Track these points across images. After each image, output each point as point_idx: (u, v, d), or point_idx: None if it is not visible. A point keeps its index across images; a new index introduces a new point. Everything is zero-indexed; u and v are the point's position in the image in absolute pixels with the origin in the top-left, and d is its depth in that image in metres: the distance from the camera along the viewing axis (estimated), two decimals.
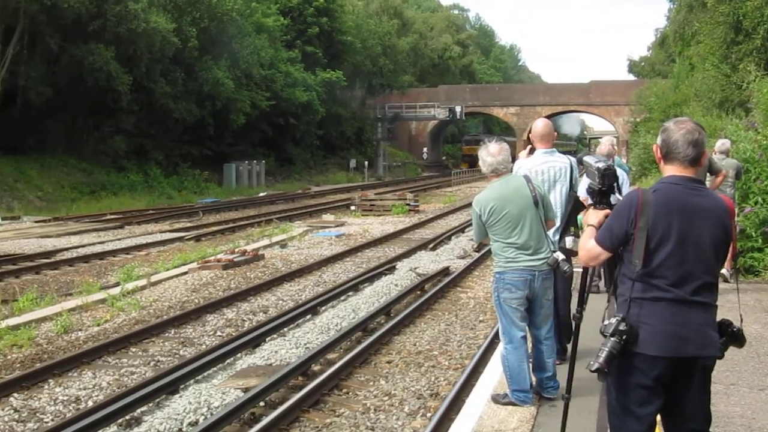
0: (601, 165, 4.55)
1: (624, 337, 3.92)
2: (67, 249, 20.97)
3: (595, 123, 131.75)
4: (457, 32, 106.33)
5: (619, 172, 10.83)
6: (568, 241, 7.12)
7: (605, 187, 4.49)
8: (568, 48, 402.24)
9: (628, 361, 3.98)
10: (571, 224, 7.40)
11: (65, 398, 8.79)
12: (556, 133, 7.99)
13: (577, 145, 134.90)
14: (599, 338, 8.41)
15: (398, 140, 77.77)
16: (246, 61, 47.27)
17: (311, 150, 61.90)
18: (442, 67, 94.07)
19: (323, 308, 13.30)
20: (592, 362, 3.95)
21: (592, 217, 4.40)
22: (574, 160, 7.76)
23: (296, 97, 53.47)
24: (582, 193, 9.25)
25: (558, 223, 7.25)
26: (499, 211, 6.46)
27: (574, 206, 7.47)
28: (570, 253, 7.14)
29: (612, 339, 3.93)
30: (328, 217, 31.43)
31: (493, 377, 7.57)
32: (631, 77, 79.74)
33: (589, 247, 4.23)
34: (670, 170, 4.03)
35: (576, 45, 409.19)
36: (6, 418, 8.15)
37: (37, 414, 8.31)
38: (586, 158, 5.12)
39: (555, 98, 77.28)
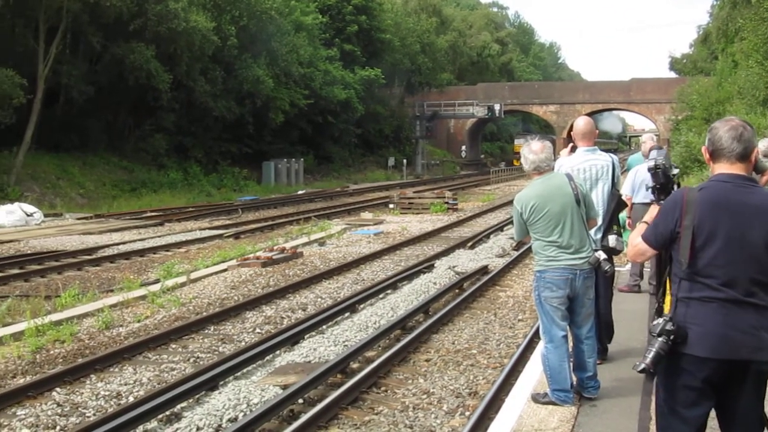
0: (651, 163, 4.53)
1: (671, 337, 3.87)
2: (108, 246, 21.20)
3: (636, 121, 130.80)
4: (496, 30, 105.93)
5: None
6: (611, 239, 7.06)
7: (658, 184, 4.48)
8: (609, 45, 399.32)
9: (676, 362, 3.94)
10: (613, 223, 7.34)
11: (107, 393, 8.86)
12: (597, 131, 7.91)
13: (618, 144, 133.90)
14: (637, 338, 8.38)
15: (437, 138, 77.67)
16: (285, 60, 47.46)
17: (350, 148, 62.01)
18: (480, 65, 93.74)
19: (362, 306, 13.29)
20: (638, 362, 3.92)
21: (648, 214, 4.42)
22: (616, 158, 7.69)
23: (335, 95, 53.59)
24: (625, 191, 9.19)
25: (600, 221, 7.18)
26: (541, 209, 6.40)
27: (617, 205, 7.42)
28: (613, 252, 7.08)
29: (659, 339, 3.88)
30: (366, 215, 31.45)
31: (532, 376, 7.51)
32: (673, 75, 78.99)
33: (636, 242, 4.21)
34: (718, 168, 3.95)
35: (616, 42, 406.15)
36: (49, 412, 8.23)
37: (80, 408, 8.39)
38: (650, 156, 5.18)
39: (595, 96, 76.70)
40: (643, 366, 3.90)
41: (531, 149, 6.57)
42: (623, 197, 8.20)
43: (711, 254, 3.86)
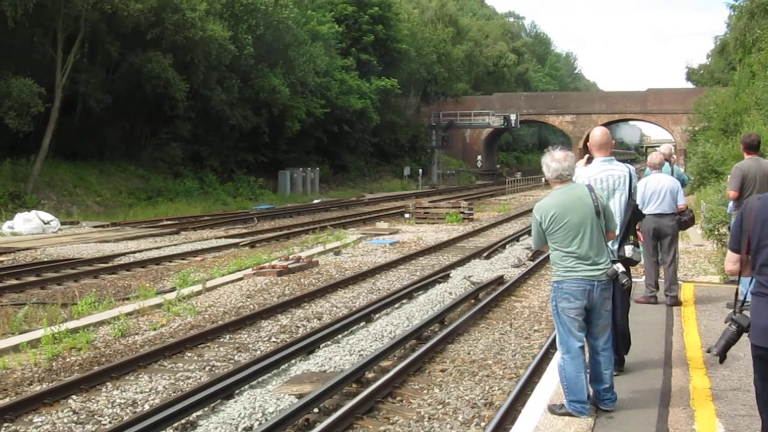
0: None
1: (737, 325, 4.55)
2: (124, 254, 21.27)
3: (652, 131, 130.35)
4: (513, 40, 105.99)
5: (674, 182, 10.71)
6: (628, 249, 7.03)
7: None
8: (625, 56, 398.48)
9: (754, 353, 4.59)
10: (630, 233, 7.31)
11: (122, 401, 8.88)
12: (614, 142, 7.89)
13: (635, 154, 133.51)
14: (654, 349, 8.34)
15: (452, 148, 77.59)
16: (301, 69, 47.57)
17: (365, 157, 62.09)
18: (497, 74, 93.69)
19: (377, 315, 13.28)
20: (713, 347, 4.66)
21: None
22: (633, 168, 7.66)
23: (351, 105, 53.72)
24: (639, 202, 9.16)
25: (617, 232, 7.15)
26: (560, 219, 6.37)
27: (633, 215, 7.39)
28: (629, 262, 7.04)
29: (726, 326, 4.58)
30: (381, 224, 31.46)
31: (549, 387, 7.47)
32: (690, 85, 78.68)
33: (728, 253, 4.80)
34: None
35: (633, 53, 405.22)
36: (65, 420, 8.26)
37: (95, 416, 8.41)
38: None
39: (611, 106, 76.49)
40: (716, 351, 4.65)
41: (554, 158, 6.54)
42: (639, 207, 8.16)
43: (764, 257, 4.48)
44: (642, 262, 9.94)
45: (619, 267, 6.44)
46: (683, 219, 11.04)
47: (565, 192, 6.48)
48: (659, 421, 6.27)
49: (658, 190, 10.78)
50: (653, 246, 11.02)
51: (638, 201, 10.17)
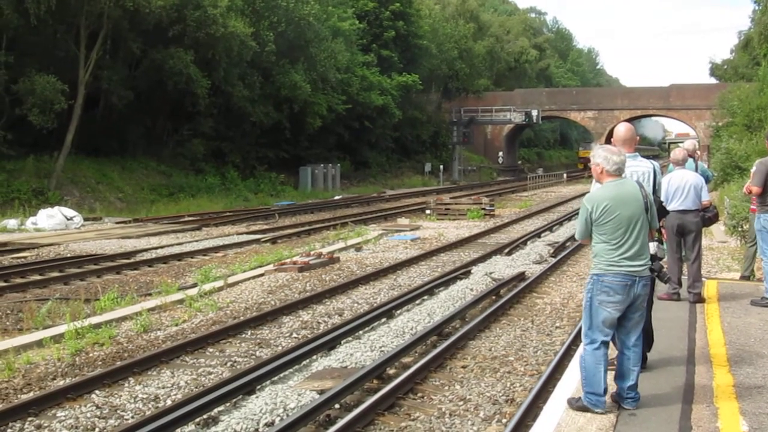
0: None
1: None
2: (146, 250, 21.36)
3: (675, 127, 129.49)
4: (534, 36, 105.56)
5: (698, 178, 10.63)
6: (651, 246, 6.99)
7: None
8: (648, 51, 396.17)
9: None
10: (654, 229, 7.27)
11: (145, 396, 8.93)
12: (638, 138, 7.84)
13: (658, 150, 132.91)
14: (677, 346, 8.31)
15: (473, 144, 77.41)
16: (322, 65, 47.58)
17: (387, 153, 62.06)
18: (518, 70, 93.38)
19: (398, 312, 13.28)
20: None
21: None
22: (657, 164, 7.61)
23: (372, 101, 53.68)
24: (663, 198, 9.12)
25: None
26: (612, 211, 6.37)
27: (658, 211, 7.35)
28: (653, 258, 7.00)
29: None
30: (403, 220, 31.45)
31: (571, 384, 7.44)
32: (713, 81, 78.11)
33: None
34: None
35: (655, 48, 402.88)
36: (88, 414, 8.31)
37: (118, 411, 8.46)
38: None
39: (633, 102, 76.04)
40: None
41: (613, 152, 6.56)
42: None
43: None
44: (665, 258, 9.88)
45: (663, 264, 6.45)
46: (707, 216, 10.96)
47: (618, 186, 6.48)
48: (682, 419, 6.23)
49: (682, 186, 10.71)
50: (676, 242, 10.95)
51: (662, 197, 10.12)
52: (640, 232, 6.41)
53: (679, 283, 11.07)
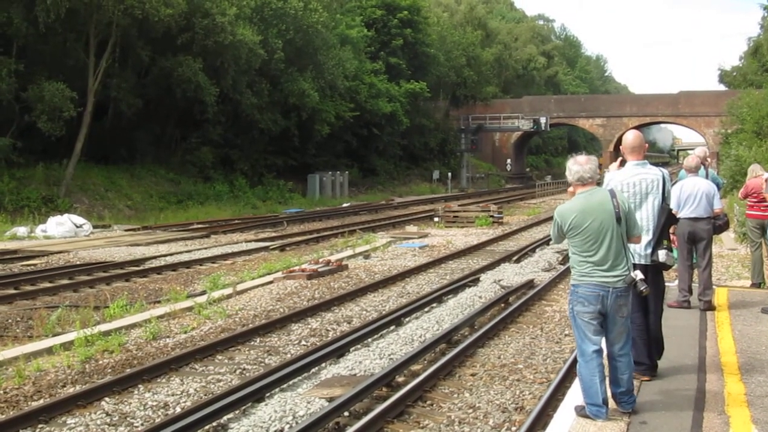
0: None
1: None
2: (155, 257, 21.40)
3: (684, 134, 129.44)
4: (542, 43, 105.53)
5: (710, 186, 10.60)
6: (661, 254, 6.97)
7: None
8: (656, 58, 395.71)
9: None
10: (663, 237, 7.24)
11: (154, 403, 8.93)
12: (647, 145, 7.82)
13: (668, 157, 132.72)
14: (687, 354, 8.28)
15: (482, 151, 77.42)
16: (331, 73, 47.69)
17: (395, 161, 62.11)
18: (526, 78, 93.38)
19: (407, 319, 13.27)
20: None
21: None
22: (666, 171, 7.58)
23: (380, 108, 53.77)
24: (671, 205, 9.12)
25: (650, 236, 7.10)
26: (579, 224, 6.37)
27: (667, 219, 7.32)
28: (663, 267, 6.98)
29: None
30: (411, 228, 31.45)
31: (580, 392, 7.42)
32: (722, 87, 77.93)
33: None
34: None
35: (664, 55, 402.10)
36: (98, 422, 8.32)
37: (128, 418, 8.47)
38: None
39: (642, 109, 75.90)
40: None
41: (576, 161, 6.59)
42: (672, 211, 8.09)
43: None
44: (675, 266, 9.85)
45: (638, 275, 6.39)
46: (718, 223, 10.91)
47: (587, 197, 6.47)
48: (693, 427, 6.20)
49: (693, 193, 10.66)
50: (687, 250, 10.90)
51: (673, 204, 10.11)
52: (612, 243, 6.36)
53: (690, 291, 11.02)
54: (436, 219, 33.67)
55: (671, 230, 7.64)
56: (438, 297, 15.07)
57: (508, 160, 78.81)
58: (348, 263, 20.09)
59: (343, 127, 50.88)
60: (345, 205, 44.44)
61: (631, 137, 7.55)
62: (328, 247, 24.56)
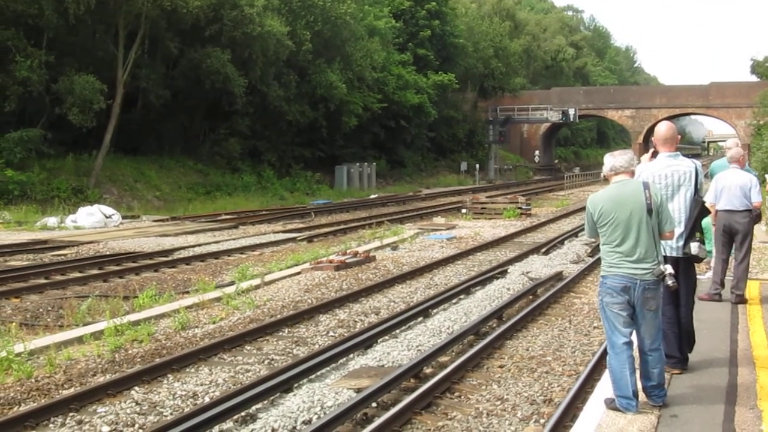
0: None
1: None
2: (184, 248, 21.51)
3: (714, 126, 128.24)
4: (571, 34, 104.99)
5: (747, 178, 10.46)
6: (693, 247, 6.89)
7: None
8: (687, 49, 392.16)
9: None
10: (696, 230, 7.16)
11: (183, 393, 8.98)
12: (679, 137, 7.73)
13: (700, 149, 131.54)
14: (719, 347, 8.20)
15: (509, 143, 77.09)
16: (358, 64, 47.70)
17: (422, 152, 62.01)
18: (555, 69, 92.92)
19: (435, 311, 13.25)
20: None
21: None
22: (699, 163, 7.49)
23: (408, 100, 53.68)
24: (708, 198, 9.01)
25: (683, 228, 7.02)
26: (608, 213, 6.33)
27: (700, 212, 7.24)
28: (695, 259, 6.90)
29: None
30: (438, 219, 31.40)
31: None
32: (755, 78, 77.02)
33: None
34: None
35: (695, 46, 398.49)
36: (128, 411, 8.38)
37: (157, 407, 8.51)
38: None
39: (672, 100, 75.21)
40: None
41: (611, 153, 6.62)
42: (706, 204, 8.01)
43: None
44: (707, 258, 9.74)
45: (667, 268, 6.32)
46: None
47: (619, 187, 6.44)
48: (725, 421, 6.14)
49: (729, 185, 10.52)
50: (723, 242, 10.76)
51: (711, 197, 10.02)
52: (641, 234, 6.30)
53: (722, 284, 10.91)
54: (463, 210, 33.57)
55: (713, 221, 7.54)
56: (466, 289, 15.02)
57: (536, 152, 78.46)
58: (375, 254, 20.08)
59: (371, 118, 50.85)
60: (372, 196, 44.46)
61: (663, 128, 7.46)
62: (356, 238, 24.57)
